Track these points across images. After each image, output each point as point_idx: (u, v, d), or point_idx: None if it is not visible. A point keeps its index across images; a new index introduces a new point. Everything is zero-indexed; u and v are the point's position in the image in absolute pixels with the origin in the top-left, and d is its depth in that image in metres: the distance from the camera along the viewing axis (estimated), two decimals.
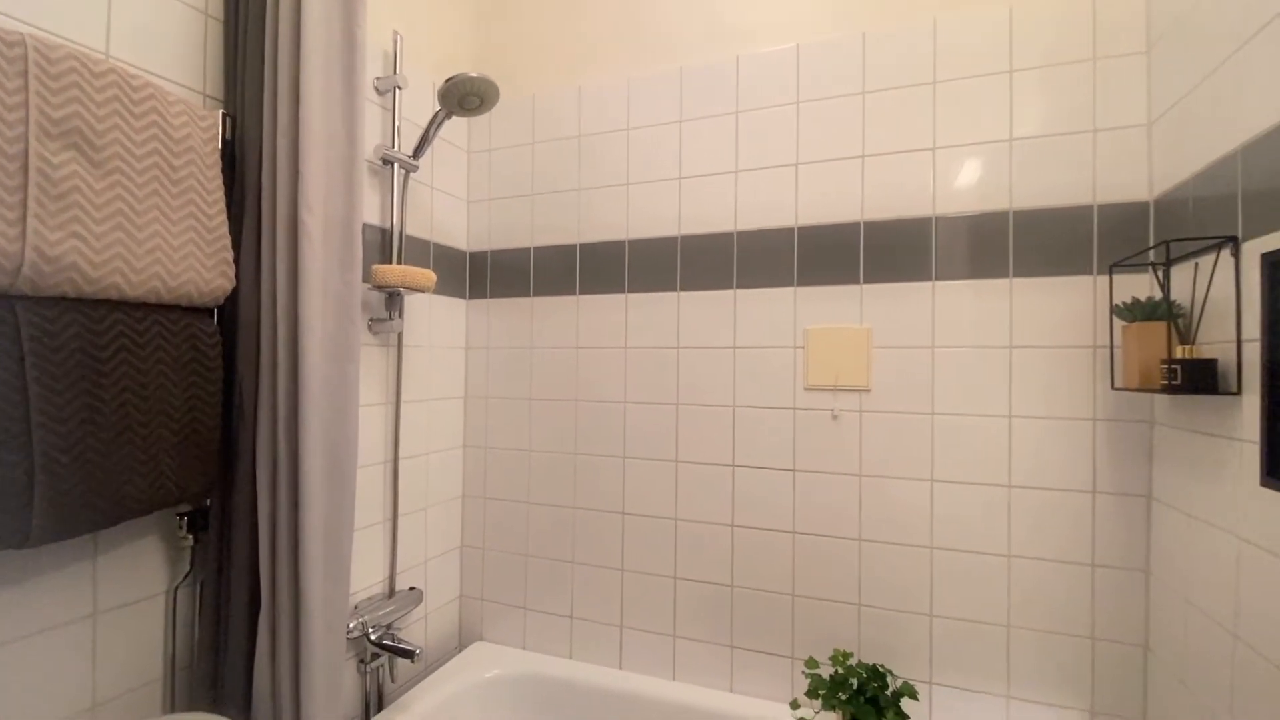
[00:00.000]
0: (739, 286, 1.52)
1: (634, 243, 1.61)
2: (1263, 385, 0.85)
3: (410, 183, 1.57)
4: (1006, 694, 1.29)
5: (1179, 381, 0.96)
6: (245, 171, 1.09)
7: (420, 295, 1.62)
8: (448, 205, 1.73)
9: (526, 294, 1.74)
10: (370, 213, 1.44)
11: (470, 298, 1.81)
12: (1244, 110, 0.92)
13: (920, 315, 1.37)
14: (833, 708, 1.20)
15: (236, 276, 1.07)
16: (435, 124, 1.44)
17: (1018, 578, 1.29)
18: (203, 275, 1.00)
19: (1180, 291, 1.09)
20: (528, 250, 1.74)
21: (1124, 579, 1.23)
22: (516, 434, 1.74)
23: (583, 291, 1.67)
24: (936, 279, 1.36)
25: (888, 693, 1.19)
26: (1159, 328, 1.06)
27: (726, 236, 1.52)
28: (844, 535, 1.42)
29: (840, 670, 1.24)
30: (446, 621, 1.74)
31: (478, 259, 1.80)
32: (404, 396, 1.55)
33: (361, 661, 1.43)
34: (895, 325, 1.39)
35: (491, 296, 1.78)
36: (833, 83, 1.44)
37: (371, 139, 1.44)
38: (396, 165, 1.47)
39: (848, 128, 1.42)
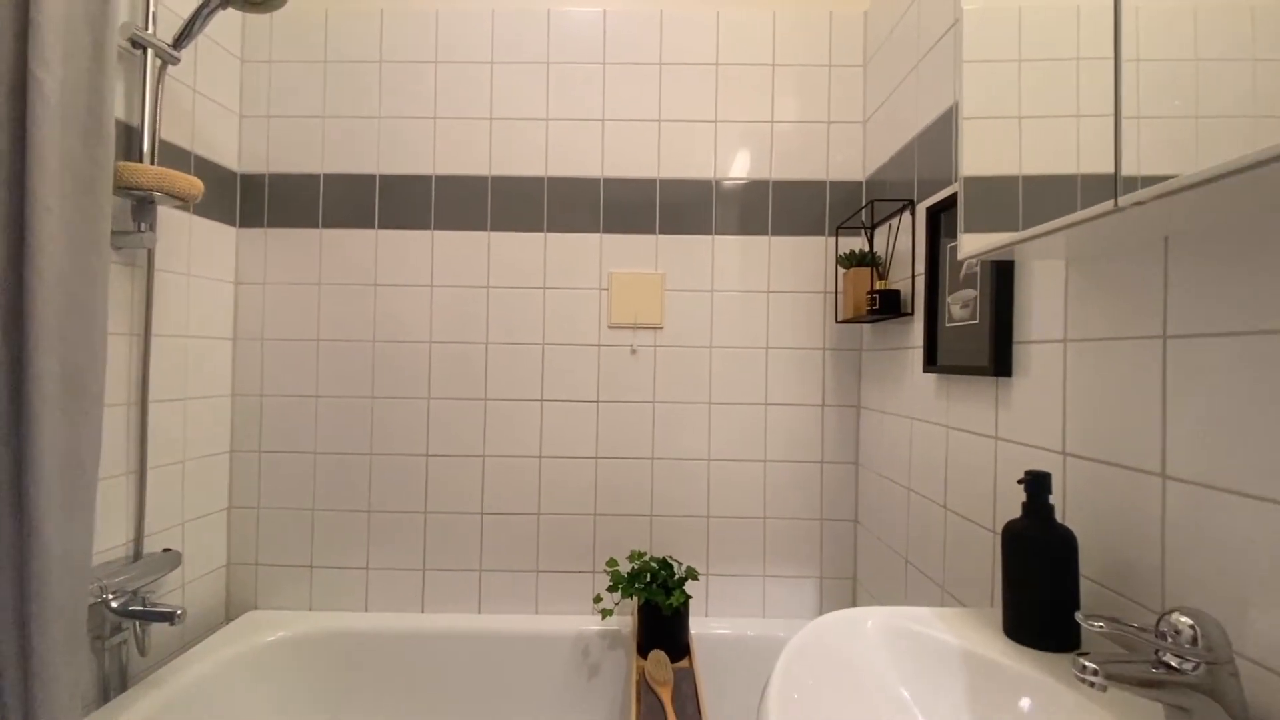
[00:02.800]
0: (549, 230, 1.60)
1: (442, 179, 1.59)
2: (925, 305, 1.20)
3: (168, 80, 1.33)
4: (763, 574, 1.59)
5: (878, 306, 1.30)
6: None
7: (178, 213, 1.39)
8: (214, 115, 1.51)
9: (314, 225, 1.59)
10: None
11: (242, 225, 1.59)
12: (918, 112, 1.28)
13: (703, 264, 1.60)
14: (630, 595, 1.36)
15: None
16: (206, 10, 1.26)
17: (771, 479, 1.60)
18: None
19: (880, 246, 1.46)
20: (317, 177, 1.59)
21: (842, 471, 1.60)
22: (300, 379, 1.59)
23: (383, 226, 1.59)
24: (716, 233, 1.60)
25: (675, 578, 1.38)
26: (866, 271, 1.41)
27: (538, 181, 1.59)
28: (639, 456, 1.59)
29: (636, 566, 1.41)
30: (209, 593, 1.52)
31: (253, 183, 1.59)
32: (155, 329, 1.32)
33: (98, 639, 1.19)
34: (684, 271, 1.60)
35: (270, 226, 1.60)
36: (635, 50, 1.60)
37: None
38: (150, 52, 1.25)
39: (647, 92, 1.60)
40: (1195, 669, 0.51)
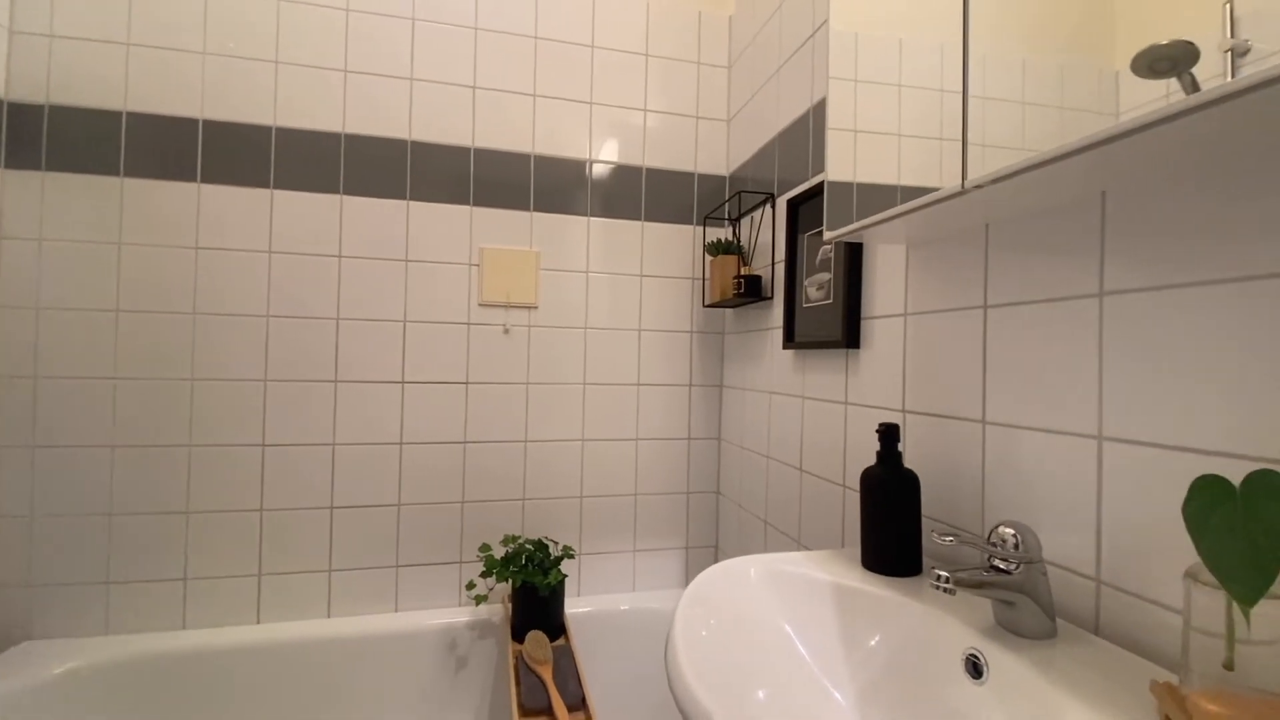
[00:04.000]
0: (413, 198, 1.49)
1: (286, 132, 1.41)
2: (785, 289, 1.32)
3: None
4: (634, 549, 1.64)
5: (743, 290, 1.40)
6: None
7: None
8: None
9: (114, 172, 1.32)
10: None
11: (9, 166, 1.27)
12: (779, 114, 1.40)
13: (578, 244, 1.60)
14: (505, 579, 1.32)
15: None
16: None
17: (642, 456, 1.65)
18: None
19: (744, 237, 1.57)
20: (118, 115, 1.32)
21: (706, 446, 1.70)
22: (92, 357, 1.31)
23: (206, 180, 1.37)
24: (591, 215, 1.61)
25: (552, 558, 1.37)
26: (732, 259, 1.51)
27: (400, 144, 1.47)
28: (512, 439, 1.55)
29: (511, 549, 1.37)
30: None
31: (26, 114, 1.28)
32: None
33: None
34: (558, 251, 1.59)
35: (49, 169, 1.29)
36: (510, 20, 1.55)
37: None
38: None
39: (522, 66, 1.55)
40: (1017, 569, 0.62)
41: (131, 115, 1.33)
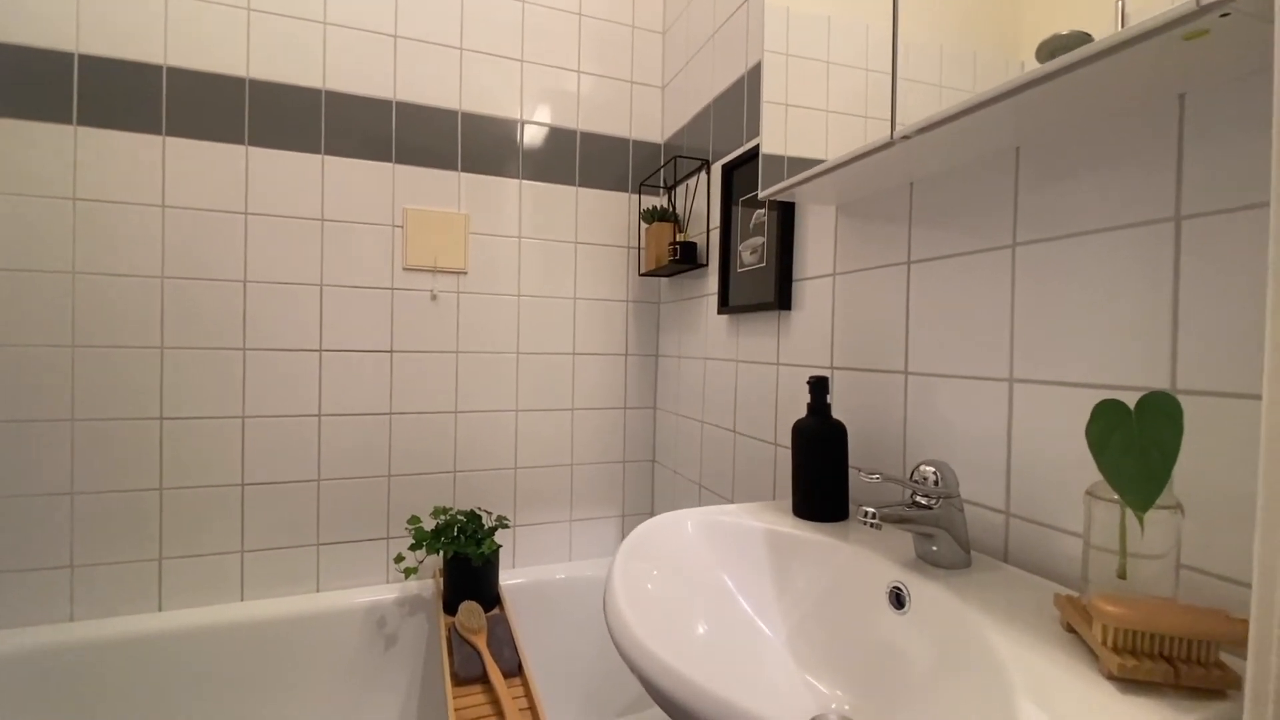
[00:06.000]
0: (328, 153, 1.39)
1: (178, 72, 1.27)
2: (720, 255, 1.33)
3: None
4: (570, 518, 1.63)
5: (678, 256, 1.40)
6: None
7: None
8: None
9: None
10: None
11: None
12: (714, 80, 1.40)
13: (509, 208, 1.55)
14: (436, 551, 1.27)
15: None
16: None
17: (578, 426, 1.63)
18: None
19: (679, 206, 1.57)
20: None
21: (642, 415, 1.70)
22: None
23: (84, 122, 1.22)
24: (523, 178, 1.56)
25: (485, 528, 1.33)
26: (667, 226, 1.50)
27: (313, 93, 1.37)
28: (441, 410, 1.49)
29: (442, 521, 1.33)
30: None
31: None
32: None
33: None
34: (489, 214, 1.53)
35: None
36: None
37: None
38: None
39: (448, 16, 1.47)
40: (937, 504, 0.66)
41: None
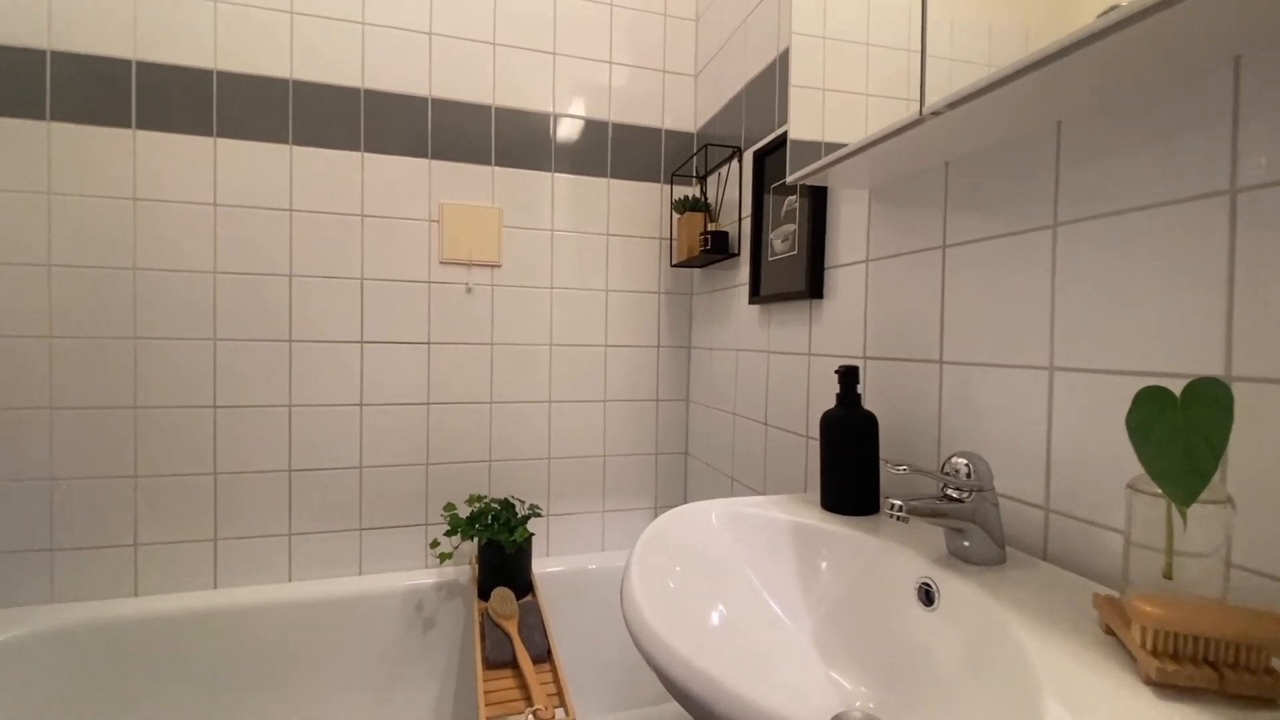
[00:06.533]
0: (368, 150, 1.43)
1: (228, 76, 1.33)
2: (751, 244, 1.31)
3: None
4: (602, 509, 1.64)
5: (709, 246, 1.39)
6: None
7: None
8: None
9: (39, 116, 1.24)
10: None
11: None
12: (746, 65, 1.37)
13: (542, 201, 1.56)
14: (470, 538, 1.30)
15: None
16: None
17: (610, 418, 1.64)
18: None
19: (711, 195, 1.55)
20: (42, 54, 1.23)
21: (674, 408, 1.69)
22: (21, 313, 1.24)
23: (144, 126, 1.29)
24: (556, 171, 1.57)
25: (518, 516, 1.36)
26: (699, 216, 1.49)
27: (353, 92, 1.41)
28: (476, 400, 1.52)
29: (476, 508, 1.35)
30: None
31: None
32: None
33: None
34: (522, 208, 1.54)
35: None
36: None
37: None
38: None
39: (481, 12, 1.49)
40: (969, 497, 0.63)
41: (57, 55, 1.24)
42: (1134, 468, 0.54)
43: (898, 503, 0.61)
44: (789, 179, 0.90)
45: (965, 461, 0.64)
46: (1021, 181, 0.68)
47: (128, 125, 1.28)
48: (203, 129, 1.32)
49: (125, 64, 1.27)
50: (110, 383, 1.29)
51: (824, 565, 0.75)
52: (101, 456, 1.29)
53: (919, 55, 0.65)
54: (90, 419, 1.28)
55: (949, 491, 0.65)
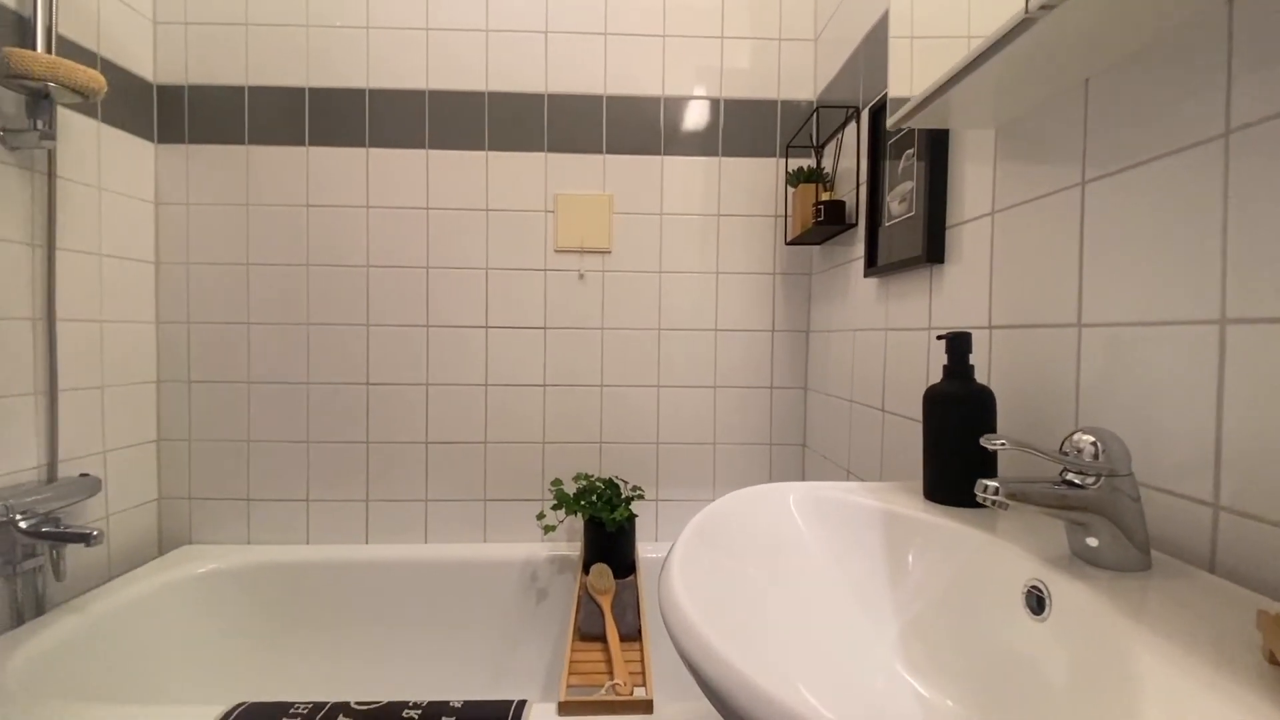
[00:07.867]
0: (491, 149, 1.53)
1: (376, 93, 1.51)
2: (866, 213, 1.19)
3: None
4: (712, 497, 1.59)
5: (823, 218, 1.28)
6: None
7: (84, 120, 1.29)
8: (123, 17, 1.39)
9: (240, 141, 1.50)
10: None
11: (161, 141, 1.49)
12: (863, 20, 1.25)
13: (652, 185, 1.56)
14: (574, 512, 1.34)
15: None
16: None
17: (721, 405, 1.59)
18: None
19: (828, 165, 1.43)
20: (241, 90, 1.50)
21: (791, 396, 1.60)
22: (230, 305, 1.51)
23: (313, 143, 1.51)
24: (665, 154, 1.56)
25: (621, 496, 1.37)
26: (813, 187, 1.38)
27: (478, 96, 1.52)
28: (588, 383, 1.57)
29: (583, 485, 1.39)
30: (140, 527, 1.46)
31: (171, 95, 1.49)
32: (60, 242, 1.24)
33: (8, 562, 1.13)
34: (632, 193, 1.56)
35: (192, 142, 1.50)
36: None
37: None
38: None
39: (593, 6, 1.53)
40: (1096, 483, 0.50)
41: (253, 89, 1.50)
42: None
43: (993, 484, 0.50)
44: (890, 122, 0.79)
45: (1092, 439, 0.51)
46: (1181, 88, 0.53)
47: (302, 143, 1.50)
48: (357, 140, 1.51)
49: (299, 92, 1.50)
50: (285, 362, 1.52)
51: (916, 560, 0.65)
52: (284, 424, 1.53)
53: None
54: (276, 392, 1.52)
55: (1069, 476, 0.52)
